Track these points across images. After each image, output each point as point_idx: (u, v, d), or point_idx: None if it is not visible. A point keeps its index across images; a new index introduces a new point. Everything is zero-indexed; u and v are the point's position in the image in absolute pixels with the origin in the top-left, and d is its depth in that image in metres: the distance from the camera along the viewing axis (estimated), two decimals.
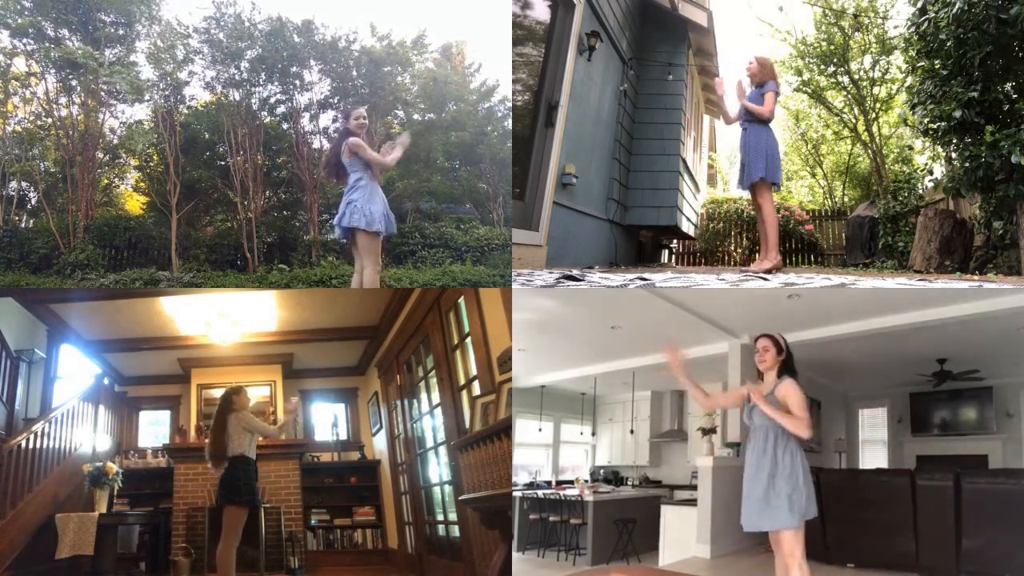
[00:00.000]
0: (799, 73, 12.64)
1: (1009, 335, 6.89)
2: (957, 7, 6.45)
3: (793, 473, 3.42)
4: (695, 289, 4.97)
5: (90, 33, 9.92)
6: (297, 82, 11.15)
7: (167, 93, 10.71)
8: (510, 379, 4.54)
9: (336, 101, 11.26)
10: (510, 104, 8.37)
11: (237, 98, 10.92)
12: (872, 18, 11.86)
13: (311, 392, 8.44)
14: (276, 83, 11.10)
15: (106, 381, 7.60)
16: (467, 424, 5.16)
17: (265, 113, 11.27)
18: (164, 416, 8.35)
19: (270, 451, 7.13)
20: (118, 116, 10.98)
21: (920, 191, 10.72)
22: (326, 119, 11.71)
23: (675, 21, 10.19)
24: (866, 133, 12.59)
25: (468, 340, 5.21)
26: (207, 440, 5.34)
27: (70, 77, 10.02)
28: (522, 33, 6.90)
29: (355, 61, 11.15)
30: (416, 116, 12.29)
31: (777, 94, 6.33)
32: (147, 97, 10.58)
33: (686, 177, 11.20)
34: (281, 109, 11.40)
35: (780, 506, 3.39)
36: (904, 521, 5.39)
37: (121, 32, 10.31)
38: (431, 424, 6.22)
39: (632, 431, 10.52)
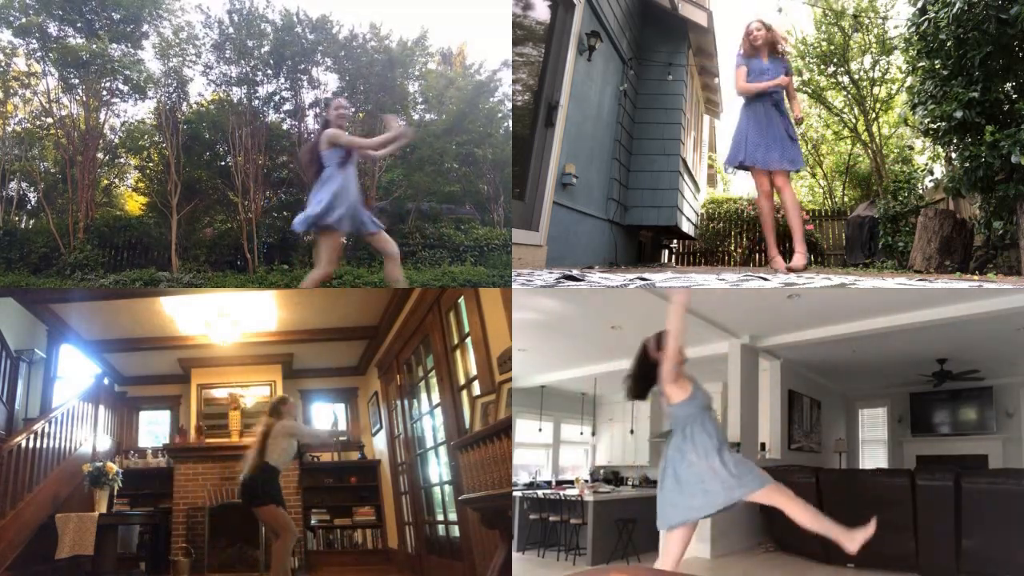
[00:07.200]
0: (799, 73, 12.64)
1: (1009, 335, 6.89)
2: (957, 7, 6.44)
3: (663, 474, 3.36)
4: (695, 289, 4.97)
5: (95, 31, 9.89)
6: (304, 79, 11.11)
7: (171, 90, 10.67)
8: (510, 379, 4.54)
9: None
10: (510, 104, 8.35)
11: (241, 97, 10.87)
12: (872, 18, 11.86)
13: (311, 392, 8.44)
14: (284, 79, 11.04)
15: (106, 381, 7.59)
16: (467, 424, 5.15)
17: (269, 110, 11.21)
18: (164, 416, 8.35)
19: None
20: (120, 115, 10.98)
21: (920, 191, 10.71)
22: None
23: (675, 21, 10.19)
24: (866, 133, 12.59)
25: (468, 340, 5.21)
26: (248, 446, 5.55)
27: (72, 76, 10.00)
28: (522, 33, 6.90)
29: (368, 60, 11.09)
30: (416, 117, 12.24)
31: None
32: (151, 94, 10.55)
33: (686, 177, 11.20)
34: (287, 106, 11.36)
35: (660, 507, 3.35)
36: (904, 521, 5.39)
37: (130, 28, 10.28)
38: (431, 424, 6.21)
39: (632, 431, 10.51)
